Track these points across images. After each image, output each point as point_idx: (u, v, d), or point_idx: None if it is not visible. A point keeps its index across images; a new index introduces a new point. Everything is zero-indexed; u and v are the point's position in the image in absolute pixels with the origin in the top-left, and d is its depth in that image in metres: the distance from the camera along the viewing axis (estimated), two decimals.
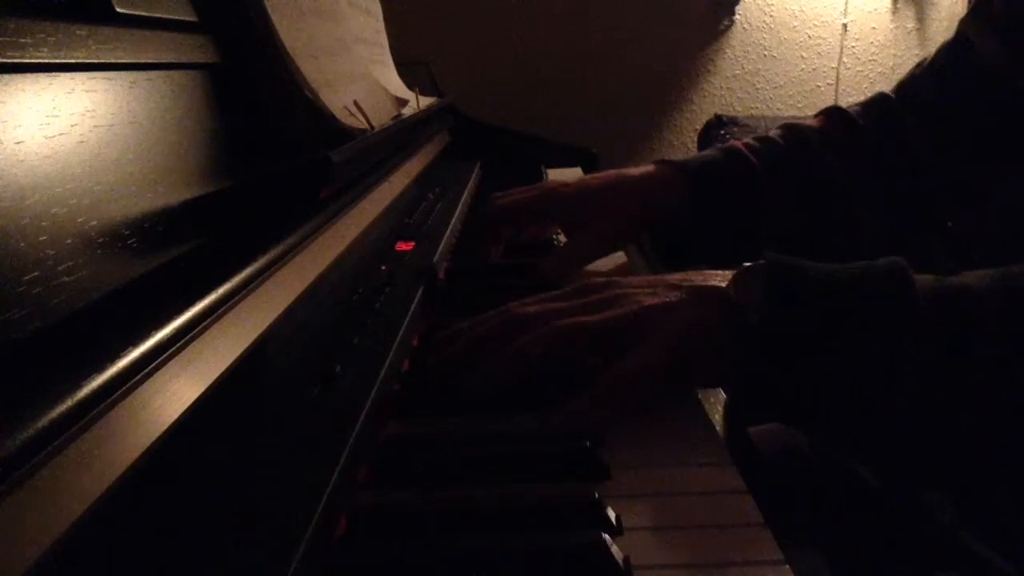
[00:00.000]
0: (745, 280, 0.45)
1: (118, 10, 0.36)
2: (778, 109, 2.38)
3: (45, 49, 0.30)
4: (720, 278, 0.47)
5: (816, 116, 0.80)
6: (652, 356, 0.44)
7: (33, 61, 0.30)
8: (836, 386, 0.42)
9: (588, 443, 0.40)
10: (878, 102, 0.79)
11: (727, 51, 2.35)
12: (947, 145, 0.74)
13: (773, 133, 0.78)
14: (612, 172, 0.76)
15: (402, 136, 0.81)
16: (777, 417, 0.52)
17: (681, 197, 0.74)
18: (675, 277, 0.48)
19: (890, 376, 0.40)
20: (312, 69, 0.57)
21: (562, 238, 0.82)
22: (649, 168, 0.75)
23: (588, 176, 0.77)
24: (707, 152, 0.78)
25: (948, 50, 0.76)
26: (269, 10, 0.51)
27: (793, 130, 0.78)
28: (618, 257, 0.78)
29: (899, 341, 0.41)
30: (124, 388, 0.25)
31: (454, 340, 0.49)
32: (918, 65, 0.79)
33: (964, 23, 0.75)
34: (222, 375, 0.33)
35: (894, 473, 0.48)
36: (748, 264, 0.45)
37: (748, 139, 0.78)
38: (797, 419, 0.46)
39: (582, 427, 0.41)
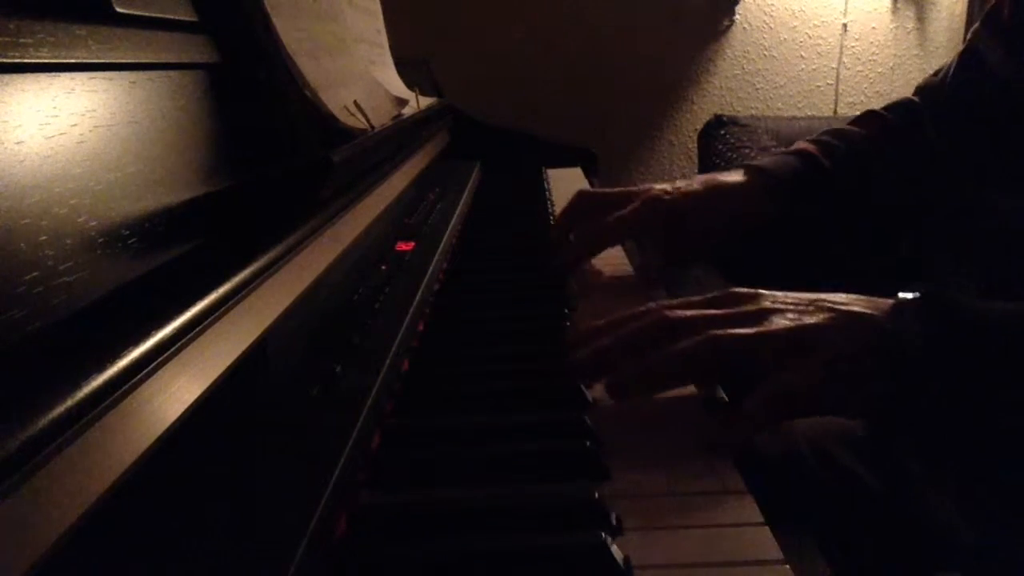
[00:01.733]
0: (903, 312, 0.44)
1: (118, 10, 0.36)
2: (778, 109, 2.38)
3: (45, 49, 0.30)
4: (870, 305, 0.46)
5: (857, 122, 0.80)
6: (811, 376, 0.43)
7: (33, 61, 0.30)
8: (994, 428, 0.41)
9: (588, 443, 0.40)
10: (906, 106, 0.79)
11: (727, 51, 2.35)
12: (961, 153, 0.75)
13: (826, 137, 0.78)
14: (706, 177, 0.75)
15: (402, 136, 0.81)
16: (918, 451, 0.50)
17: (769, 202, 0.74)
18: (825, 299, 0.47)
19: None
20: (312, 69, 0.57)
21: None
22: (739, 175, 0.75)
23: (681, 183, 0.76)
24: (782, 158, 0.78)
25: (960, 59, 0.77)
26: (269, 10, 0.51)
27: (844, 135, 0.78)
28: (617, 255, 0.79)
29: None
30: (124, 388, 0.25)
31: (591, 338, 0.48)
32: (936, 72, 0.80)
33: (975, 33, 0.75)
34: (222, 375, 0.33)
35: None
36: (905, 296, 0.45)
37: (804, 143, 0.78)
38: (943, 456, 0.46)
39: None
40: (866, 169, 0.76)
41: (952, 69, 0.78)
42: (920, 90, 0.80)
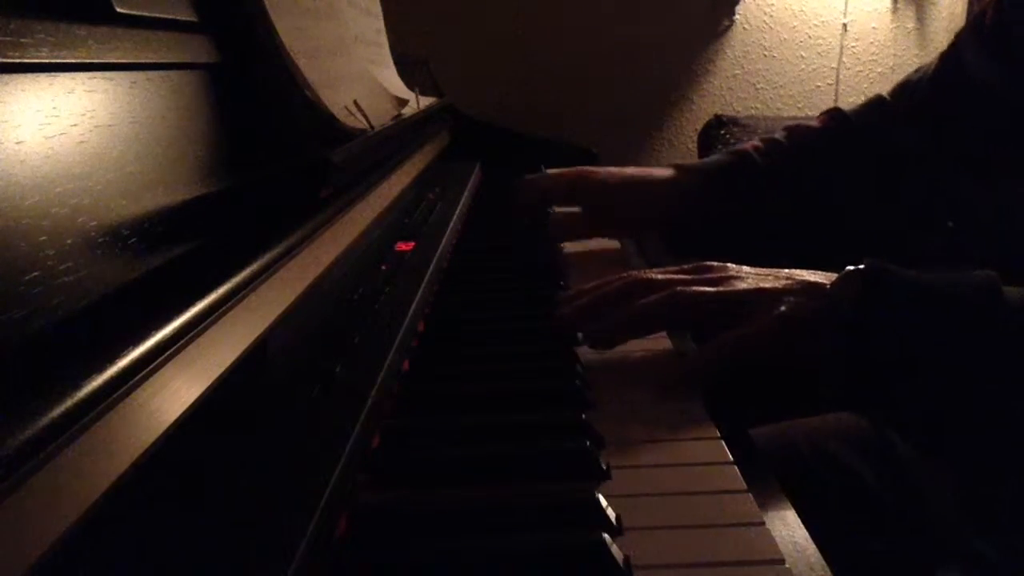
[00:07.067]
0: (845, 279, 0.50)
1: (118, 10, 0.36)
2: (778, 109, 2.38)
3: (45, 49, 0.30)
4: (824, 276, 0.52)
5: (818, 117, 0.84)
6: (762, 328, 0.49)
7: (33, 61, 0.30)
8: (919, 380, 0.46)
9: (588, 443, 0.40)
10: (875, 104, 0.82)
11: (727, 51, 2.35)
12: (938, 149, 0.76)
13: (778, 134, 0.84)
14: (637, 169, 0.84)
15: (402, 136, 0.81)
16: (852, 406, 0.59)
17: (694, 198, 0.81)
18: (783, 272, 0.54)
19: (975, 377, 0.45)
20: (312, 69, 0.57)
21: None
22: (668, 171, 0.82)
23: (617, 169, 0.84)
24: (718, 156, 0.85)
25: (943, 60, 0.78)
26: (269, 10, 0.51)
27: (795, 131, 0.83)
28: (611, 243, 0.83)
29: (985, 345, 0.45)
30: (124, 388, 0.25)
31: (576, 298, 0.56)
32: (917, 70, 0.81)
33: (959, 35, 0.77)
34: (222, 375, 0.33)
35: (969, 468, 0.54)
36: (851, 268, 0.50)
37: (755, 141, 0.83)
38: (873, 409, 0.52)
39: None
40: (808, 164, 0.81)
41: (932, 70, 0.79)
42: (898, 88, 0.82)
